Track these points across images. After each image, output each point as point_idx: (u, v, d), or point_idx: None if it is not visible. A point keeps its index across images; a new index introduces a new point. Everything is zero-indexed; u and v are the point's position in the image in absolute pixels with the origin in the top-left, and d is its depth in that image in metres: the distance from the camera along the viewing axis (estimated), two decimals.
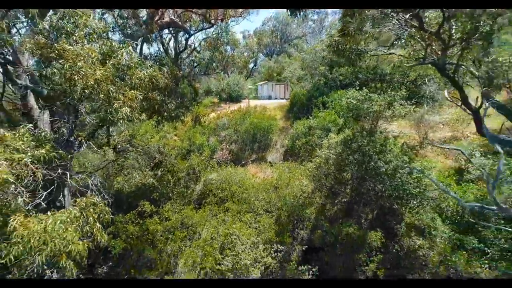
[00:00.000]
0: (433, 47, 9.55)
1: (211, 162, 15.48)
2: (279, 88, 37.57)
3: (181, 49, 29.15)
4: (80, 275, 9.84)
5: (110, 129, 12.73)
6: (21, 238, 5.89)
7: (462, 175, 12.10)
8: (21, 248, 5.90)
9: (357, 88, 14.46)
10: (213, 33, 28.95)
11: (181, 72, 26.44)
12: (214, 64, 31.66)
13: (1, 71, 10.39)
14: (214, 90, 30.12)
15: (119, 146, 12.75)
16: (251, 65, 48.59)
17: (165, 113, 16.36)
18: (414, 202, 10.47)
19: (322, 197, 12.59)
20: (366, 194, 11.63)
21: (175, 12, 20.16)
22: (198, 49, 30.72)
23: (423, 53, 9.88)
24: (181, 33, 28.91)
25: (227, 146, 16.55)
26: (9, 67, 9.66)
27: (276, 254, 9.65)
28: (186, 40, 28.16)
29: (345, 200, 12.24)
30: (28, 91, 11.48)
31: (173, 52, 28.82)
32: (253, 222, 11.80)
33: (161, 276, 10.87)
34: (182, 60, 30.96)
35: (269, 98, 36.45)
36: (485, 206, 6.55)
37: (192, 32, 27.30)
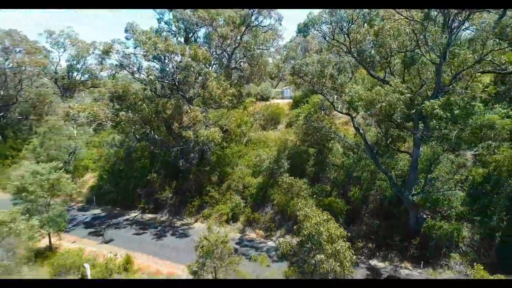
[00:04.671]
0: None
1: (251, 129, 32.61)
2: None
3: (232, 67, 46.84)
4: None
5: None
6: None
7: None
8: (194, 136, 23.52)
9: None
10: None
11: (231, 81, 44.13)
12: (252, 76, 49.01)
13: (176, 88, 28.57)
14: (253, 93, 47.33)
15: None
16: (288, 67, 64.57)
17: (232, 105, 33.75)
18: (331, 140, 26.46)
19: (299, 141, 28.87)
20: (316, 138, 27.73)
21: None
22: (243, 66, 48.17)
23: None
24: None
25: (259, 122, 33.59)
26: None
27: (274, 157, 26.31)
28: (236, 62, 45.82)
29: (310, 142, 28.39)
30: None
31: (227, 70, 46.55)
32: (268, 150, 28.56)
33: (230, 169, 28.00)
34: (232, 73, 48.71)
35: (291, 98, 52.48)
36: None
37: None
